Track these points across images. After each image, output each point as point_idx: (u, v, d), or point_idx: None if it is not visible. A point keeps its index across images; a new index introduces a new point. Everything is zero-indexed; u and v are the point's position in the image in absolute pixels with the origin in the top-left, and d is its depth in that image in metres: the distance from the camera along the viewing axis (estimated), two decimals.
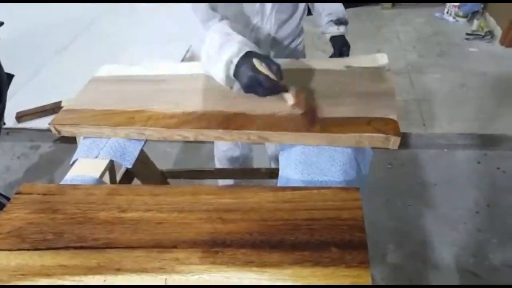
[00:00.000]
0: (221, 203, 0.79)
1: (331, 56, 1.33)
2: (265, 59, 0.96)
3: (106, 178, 1.13)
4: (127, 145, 1.04)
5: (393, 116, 0.94)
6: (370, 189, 1.89)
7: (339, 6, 1.35)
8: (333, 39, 1.35)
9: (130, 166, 1.02)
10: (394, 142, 0.91)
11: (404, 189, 2.05)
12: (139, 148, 1.05)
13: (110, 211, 0.79)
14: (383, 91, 1.04)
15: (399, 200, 2.00)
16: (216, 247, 0.71)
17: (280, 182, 0.93)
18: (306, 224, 0.73)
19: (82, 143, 1.08)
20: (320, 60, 1.22)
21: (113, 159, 1.01)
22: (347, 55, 1.32)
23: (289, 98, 0.98)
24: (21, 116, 2.48)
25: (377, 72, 1.11)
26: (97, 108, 1.11)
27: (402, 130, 0.91)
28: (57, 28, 3.59)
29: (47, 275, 0.69)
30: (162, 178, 1.59)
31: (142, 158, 1.42)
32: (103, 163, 1.00)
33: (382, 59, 1.17)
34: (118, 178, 1.27)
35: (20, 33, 3.40)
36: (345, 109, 0.99)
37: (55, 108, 2.40)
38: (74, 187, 0.88)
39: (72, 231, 0.76)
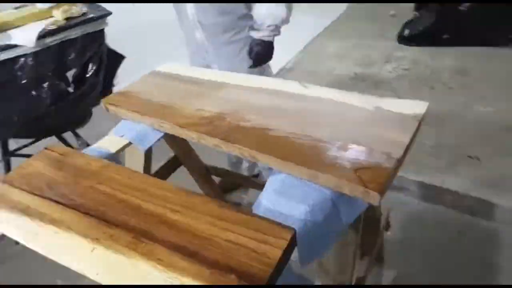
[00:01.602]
0: (172, 202, 0.85)
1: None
2: None
3: (140, 165, 1.28)
4: (149, 132, 1.18)
5: (387, 168, 0.87)
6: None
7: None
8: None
9: (143, 151, 1.16)
10: (374, 198, 0.85)
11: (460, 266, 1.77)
12: (158, 137, 1.18)
13: (89, 180, 0.93)
14: (392, 141, 0.96)
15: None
16: (143, 238, 0.78)
17: (255, 203, 0.94)
18: (227, 246, 0.74)
19: (122, 123, 1.26)
20: (348, 94, 1.17)
21: (132, 141, 1.16)
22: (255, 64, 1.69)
23: None
24: None
25: (402, 120, 1.03)
26: (140, 96, 1.27)
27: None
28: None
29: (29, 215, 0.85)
30: (205, 172, 1.71)
31: (185, 150, 1.57)
32: (122, 142, 1.16)
33: (419, 107, 1.06)
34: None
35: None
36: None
37: None
38: (83, 155, 1.05)
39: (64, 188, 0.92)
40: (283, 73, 3.50)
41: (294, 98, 1.17)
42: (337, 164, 0.91)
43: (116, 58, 2.12)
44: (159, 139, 1.18)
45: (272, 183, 0.96)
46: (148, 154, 1.29)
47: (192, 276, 0.69)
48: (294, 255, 0.80)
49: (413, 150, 0.99)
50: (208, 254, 0.73)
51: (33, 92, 1.67)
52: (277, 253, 0.72)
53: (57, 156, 1.03)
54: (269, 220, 0.79)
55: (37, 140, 2.03)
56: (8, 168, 1.94)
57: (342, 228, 0.93)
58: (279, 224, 0.78)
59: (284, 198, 0.90)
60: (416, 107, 1.06)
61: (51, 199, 0.88)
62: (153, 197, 0.87)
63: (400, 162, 0.91)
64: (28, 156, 1.90)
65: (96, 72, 1.85)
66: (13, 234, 0.85)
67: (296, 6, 1.66)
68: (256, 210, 0.90)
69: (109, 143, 1.16)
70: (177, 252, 0.74)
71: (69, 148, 1.09)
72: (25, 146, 2.06)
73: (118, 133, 1.19)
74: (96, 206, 0.86)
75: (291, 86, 1.23)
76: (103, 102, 1.29)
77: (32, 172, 0.98)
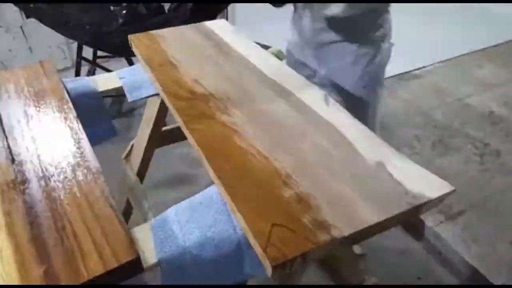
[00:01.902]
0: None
1: None
2: None
3: (151, 119, 1.21)
4: (145, 85, 1.09)
5: (313, 241, 0.64)
6: None
7: None
8: None
9: (129, 100, 1.07)
10: (267, 266, 0.63)
11: None
12: (150, 93, 1.08)
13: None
14: (357, 213, 0.70)
15: None
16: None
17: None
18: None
19: (134, 66, 1.19)
20: (366, 132, 0.89)
21: (123, 86, 1.08)
22: None
23: None
24: None
25: (395, 193, 0.74)
26: (161, 45, 1.18)
27: None
28: None
29: None
30: None
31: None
32: (114, 84, 1.09)
33: (432, 189, 0.75)
34: None
35: None
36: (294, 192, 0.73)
37: None
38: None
39: None
40: (403, 77, 3.05)
41: (298, 108, 0.95)
42: (269, 206, 0.70)
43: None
44: (148, 97, 1.08)
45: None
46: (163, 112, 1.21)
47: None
48: None
49: None
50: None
51: (111, 8, 1.70)
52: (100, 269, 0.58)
53: None
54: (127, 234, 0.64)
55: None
56: (77, 71, 2.07)
57: (240, 278, 0.74)
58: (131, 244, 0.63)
59: (191, 217, 0.73)
60: (430, 186, 0.76)
61: None
62: None
63: (340, 243, 0.66)
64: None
65: (177, 7, 1.81)
66: None
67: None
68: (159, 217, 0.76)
69: (103, 80, 1.11)
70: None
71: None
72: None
73: (120, 74, 1.13)
74: None
75: (312, 94, 1.00)
76: (129, 38, 1.23)
77: None
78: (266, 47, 1.78)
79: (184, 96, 0.97)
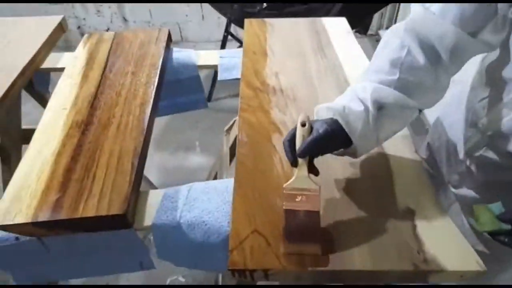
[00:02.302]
0: None
1: None
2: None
3: None
4: (236, 68, 1.15)
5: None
6: None
7: None
8: None
9: (218, 79, 1.15)
10: None
11: None
12: (238, 76, 1.13)
13: None
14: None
15: None
16: None
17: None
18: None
19: (239, 49, 1.25)
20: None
21: (219, 65, 1.16)
22: None
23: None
24: None
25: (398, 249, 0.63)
26: (267, 33, 1.21)
27: None
28: None
29: None
30: None
31: None
32: (212, 61, 1.18)
33: (466, 264, 0.62)
34: None
35: None
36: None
37: None
38: None
39: None
40: None
41: None
42: (264, 214, 0.69)
43: None
44: (234, 79, 1.14)
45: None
46: None
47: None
48: None
49: None
50: None
51: None
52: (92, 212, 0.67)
53: None
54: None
55: None
56: (223, 44, 2.25)
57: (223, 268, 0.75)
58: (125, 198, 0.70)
59: (199, 197, 0.77)
60: (453, 256, 0.62)
61: None
62: None
63: (311, 276, 0.61)
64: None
65: None
66: None
67: None
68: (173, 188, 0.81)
69: (205, 56, 1.20)
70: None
71: None
72: None
73: (221, 54, 1.21)
74: None
75: None
76: (245, 21, 1.29)
77: None
78: None
79: (255, 86, 0.99)
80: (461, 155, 0.80)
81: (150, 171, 1.84)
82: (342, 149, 0.69)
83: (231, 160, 1.52)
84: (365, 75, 0.69)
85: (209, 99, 2.41)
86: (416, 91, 0.65)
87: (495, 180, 0.74)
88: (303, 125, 0.65)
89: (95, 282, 1.50)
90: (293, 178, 0.64)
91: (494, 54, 0.70)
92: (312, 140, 0.62)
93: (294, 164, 0.64)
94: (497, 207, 0.61)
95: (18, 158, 1.49)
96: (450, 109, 0.87)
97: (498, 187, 0.74)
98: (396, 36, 0.66)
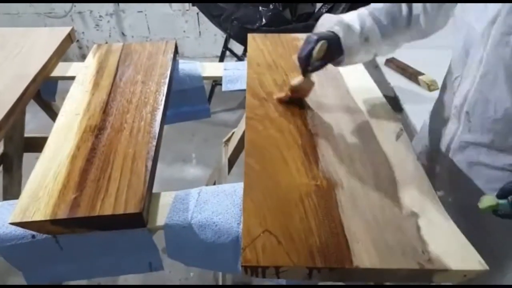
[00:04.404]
0: None
1: None
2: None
3: None
4: (240, 80, 1.20)
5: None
6: None
7: None
8: None
9: (222, 90, 1.19)
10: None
11: None
12: (242, 87, 1.18)
13: None
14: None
15: None
16: None
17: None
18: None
19: (244, 62, 1.31)
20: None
21: (223, 76, 1.21)
22: None
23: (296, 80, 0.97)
24: None
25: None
26: (270, 46, 1.26)
27: None
28: None
29: None
30: None
31: None
32: (216, 72, 1.23)
33: (468, 263, 0.66)
34: None
35: None
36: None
37: None
38: None
39: None
40: None
41: (362, 131, 0.92)
42: (274, 215, 0.72)
43: None
44: (238, 90, 1.18)
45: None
46: None
47: None
48: None
49: None
50: None
51: (259, 8, 1.86)
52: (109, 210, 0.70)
53: None
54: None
55: None
56: (221, 59, 2.31)
57: (233, 271, 0.78)
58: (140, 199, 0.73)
59: (209, 200, 0.80)
60: (457, 256, 0.66)
61: None
62: None
63: (321, 274, 0.64)
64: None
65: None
66: None
67: None
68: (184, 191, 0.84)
69: (210, 68, 1.25)
70: None
71: None
72: None
73: (226, 66, 1.25)
74: None
75: (386, 123, 0.95)
76: (248, 36, 1.35)
77: None
78: (419, 73, 1.67)
79: (260, 96, 1.04)
80: (443, 147, 0.90)
81: None
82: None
83: (229, 171, 1.56)
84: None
85: None
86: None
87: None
88: (316, 41, 0.87)
89: (93, 281, 1.50)
90: (299, 80, 0.95)
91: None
92: (324, 63, 0.90)
93: (305, 74, 0.94)
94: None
95: (19, 166, 1.51)
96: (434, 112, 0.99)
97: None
98: None
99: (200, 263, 0.81)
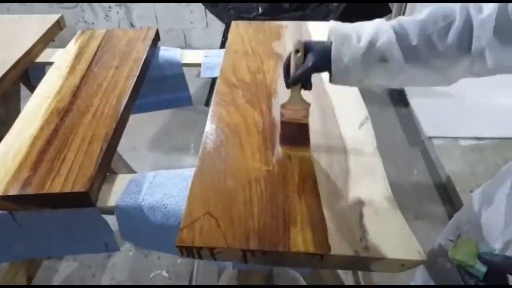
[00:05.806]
0: None
1: None
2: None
3: None
4: (219, 67, 1.19)
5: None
6: None
7: None
8: None
9: (200, 76, 1.19)
10: None
11: None
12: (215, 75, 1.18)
13: None
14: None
15: None
16: None
17: None
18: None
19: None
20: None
21: (202, 63, 1.21)
22: None
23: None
24: None
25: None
26: (250, 34, 1.26)
27: None
28: None
29: None
30: None
31: None
32: (197, 58, 1.23)
33: (407, 253, 0.64)
34: None
35: None
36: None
37: None
38: None
39: None
40: None
41: (324, 109, 0.90)
42: (219, 198, 0.72)
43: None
44: (215, 77, 1.18)
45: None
46: None
47: None
48: None
49: None
50: None
51: None
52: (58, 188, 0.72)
53: None
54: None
55: None
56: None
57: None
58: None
59: (163, 183, 0.81)
60: (396, 245, 0.64)
61: None
62: None
63: (254, 256, 0.64)
64: None
65: (317, 6, 1.84)
66: None
67: None
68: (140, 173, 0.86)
69: (190, 55, 1.25)
70: None
71: None
72: None
73: (207, 53, 1.26)
74: None
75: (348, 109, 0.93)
76: (232, 23, 1.34)
77: None
78: None
79: (231, 82, 1.03)
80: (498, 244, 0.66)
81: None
82: None
83: None
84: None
85: (207, 103, 2.47)
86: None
87: None
88: (296, 51, 0.71)
89: (91, 280, 1.54)
90: (288, 97, 0.77)
91: None
92: (301, 73, 0.72)
93: (288, 87, 0.77)
94: (484, 247, 0.58)
95: None
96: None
97: None
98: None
99: (151, 245, 0.82)
